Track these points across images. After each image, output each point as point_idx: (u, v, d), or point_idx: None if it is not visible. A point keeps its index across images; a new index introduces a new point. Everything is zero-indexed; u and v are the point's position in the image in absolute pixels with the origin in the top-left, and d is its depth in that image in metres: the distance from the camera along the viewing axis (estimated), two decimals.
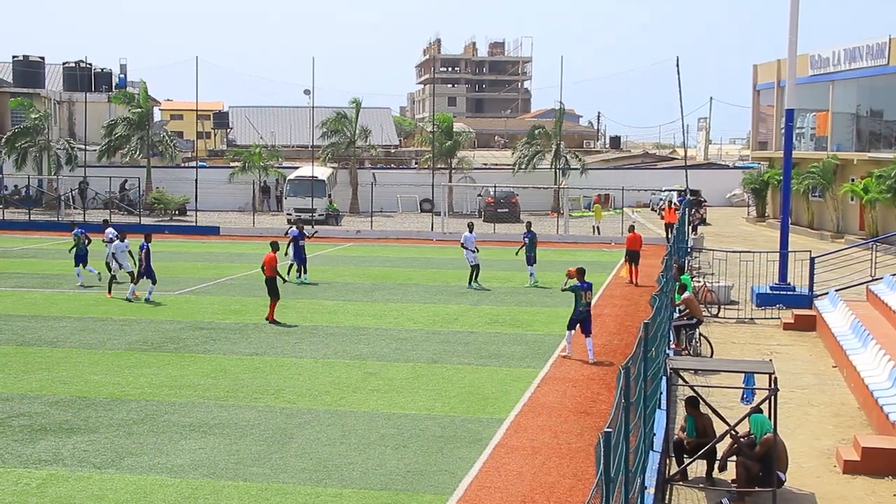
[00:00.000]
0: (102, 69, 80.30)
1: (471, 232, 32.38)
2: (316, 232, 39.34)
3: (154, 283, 28.50)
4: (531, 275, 32.31)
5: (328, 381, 18.92)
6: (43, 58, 75.27)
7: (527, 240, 32.56)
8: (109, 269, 30.56)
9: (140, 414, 16.48)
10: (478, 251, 32.02)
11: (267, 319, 25.14)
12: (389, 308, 27.49)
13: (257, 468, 13.84)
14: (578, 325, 21.20)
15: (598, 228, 51.34)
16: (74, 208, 61.11)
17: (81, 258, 31.67)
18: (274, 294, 25.43)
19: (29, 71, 72.71)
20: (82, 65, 76.94)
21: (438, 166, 64.56)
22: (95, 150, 64.01)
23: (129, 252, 29.90)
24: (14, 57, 74.08)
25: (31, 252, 41.95)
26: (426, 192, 60.76)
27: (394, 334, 23.75)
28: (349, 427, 15.86)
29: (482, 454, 14.59)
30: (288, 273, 33.09)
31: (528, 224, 33.99)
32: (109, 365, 20.13)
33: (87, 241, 31.89)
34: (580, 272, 21.41)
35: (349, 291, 30.91)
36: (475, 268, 31.66)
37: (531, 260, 32.45)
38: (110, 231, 32.05)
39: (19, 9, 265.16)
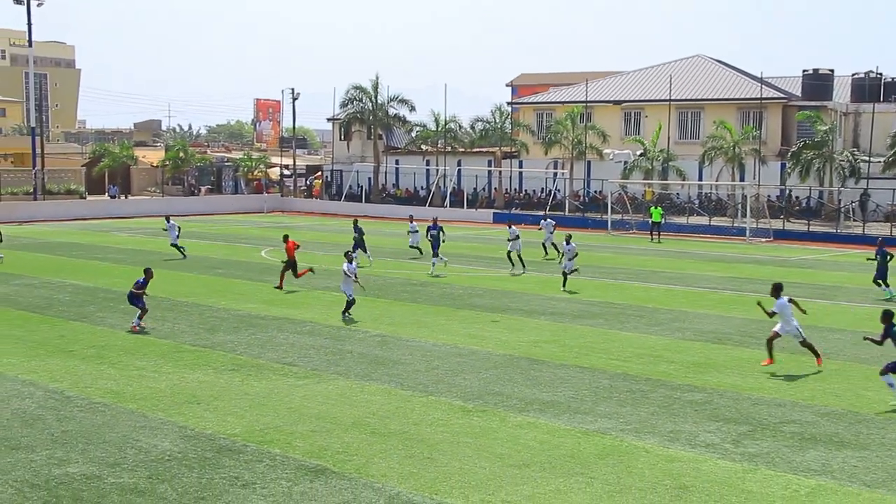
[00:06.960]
0: (893, 79, 78.39)
1: None
2: None
3: None
4: None
5: None
6: (832, 70, 75.92)
7: None
8: None
9: None
10: None
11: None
12: None
13: None
14: None
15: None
16: (854, 220, 60.65)
17: None
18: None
19: (817, 84, 73.89)
20: (871, 75, 76.17)
21: None
22: (879, 162, 62.72)
23: None
24: (804, 71, 75.85)
25: (808, 263, 42.50)
26: None
27: None
28: None
29: None
30: None
31: None
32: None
33: None
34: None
35: None
36: None
37: None
38: None
39: (806, 25, 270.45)
